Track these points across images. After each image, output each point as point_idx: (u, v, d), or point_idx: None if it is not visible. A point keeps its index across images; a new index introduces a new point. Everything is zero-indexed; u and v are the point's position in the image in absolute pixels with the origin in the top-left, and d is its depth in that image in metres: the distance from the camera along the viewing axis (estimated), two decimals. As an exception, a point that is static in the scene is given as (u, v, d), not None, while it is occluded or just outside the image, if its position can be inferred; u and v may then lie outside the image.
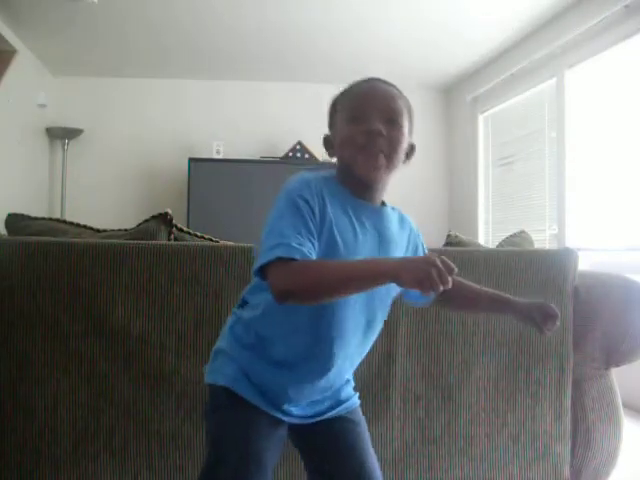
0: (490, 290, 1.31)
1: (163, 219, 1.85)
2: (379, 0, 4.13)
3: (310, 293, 1.02)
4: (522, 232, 2.27)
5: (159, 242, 1.76)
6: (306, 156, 5.65)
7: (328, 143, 1.21)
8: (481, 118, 5.60)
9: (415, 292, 1.04)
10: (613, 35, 3.75)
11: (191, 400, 1.65)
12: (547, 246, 4.50)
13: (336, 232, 1.08)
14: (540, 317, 1.19)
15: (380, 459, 1.71)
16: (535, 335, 1.79)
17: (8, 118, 4.74)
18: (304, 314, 1.10)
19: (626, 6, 3.56)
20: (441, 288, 0.90)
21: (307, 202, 1.06)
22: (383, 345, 1.72)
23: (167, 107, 5.92)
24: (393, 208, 1.26)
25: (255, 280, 1.12)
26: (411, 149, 1.20)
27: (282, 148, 5.73)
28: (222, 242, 1.82)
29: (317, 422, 1.22)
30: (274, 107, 5.87)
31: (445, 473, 1.75)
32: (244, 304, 1.20)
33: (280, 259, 0.99)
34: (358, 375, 1.70)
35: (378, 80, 1.18)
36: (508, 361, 1.78)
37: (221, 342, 1.22)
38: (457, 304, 1.35)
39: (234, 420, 1.13)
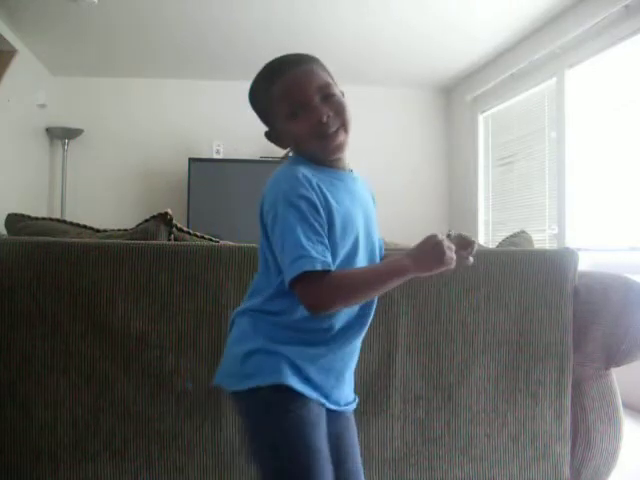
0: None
1: (163, 219, 1.85)
2: (378, 1, 4.14)
3: (344, 305, 1.10)
4: (522, 232, 2.27)
5: (159, 242, 1.76)
6: (306, 156, 5.65)
7: (273, 137, 1.22)
8: (481, 118, 5.60)
9: None
10: (613, 35, 3.75)
11: (191, 400, 1.65)
12: (547, 246, 4.49)
13: (341, 212, 1.11)
14: (459, 246, 1.15)
15: (380, 459, 1.72)
16: (535, 335, 1.79)
17: (8, 118, 4.74)
18: None
19: (626, 6, 3.56)
20: (454, 257, 1.03)
21: (307, 199, 1.06)
22: (383, 345, 1.72)
23: (167, 107, 5.92)
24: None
25: (274, 287, 1.12)
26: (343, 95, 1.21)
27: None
28: (222, 242, 1.82)
29: (334, 416, 1.19)
30: (274, 107, 5.86)
31: (445, 473, 1.75)
32: (264, 311, 1.14)
33: (305, 273, 1.02)
34: (358, 375, 1.70)
35: (289, 62, 1.18)
36: (508, 361, 1.78)
37: (247, 344, 1.13)
38: None
39: (296, 418, 1.09)
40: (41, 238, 1.72)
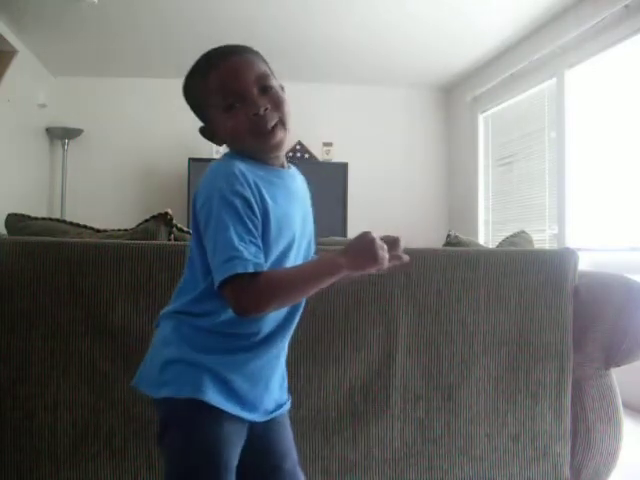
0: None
1: (163, 219, 1.85)
2: (379, 1, 4.14)
3: (277, 307, 1.06)
4: (522, 232, 2.27)
5: (159, 242, 1.76)
6: (306, 156, 5.64)
7: (208, 134, 1.17)
8: (481, 118, 5.60)
9: None
10: (613, 35, 3.75)
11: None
12: (547, 246, 4.50)
13: (278, 212, 1.07)
14: (389, 246, 1.11)
15: (380, 459, 1.72)
16: (535, 335, 1.79)
17: (8, 118, 4.74)
18: None
19: (626, 6, 3.56)
20: (387, 256, 1.01)
21: (243, 197, 1.02)
22: (383, 345, 1.72)
23: (167, 107, 5.89)
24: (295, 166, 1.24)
25: (201, 287, 1.07)
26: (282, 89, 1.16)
27: (282, 148, 5.73)
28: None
29: (265, 422, 1.15)
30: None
31: (445, 473, 1.75)
32: (188, 313, 1.09)
33: (237, 275, 0.97)
34: (358, 375, 1.70)
35: (227, 52, 1.11)
36: (508, 361, 1.78)
37: (169, 351, 1.08)
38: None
39: (207, 435, 1.05)
40: (41, 238, 1.72)
